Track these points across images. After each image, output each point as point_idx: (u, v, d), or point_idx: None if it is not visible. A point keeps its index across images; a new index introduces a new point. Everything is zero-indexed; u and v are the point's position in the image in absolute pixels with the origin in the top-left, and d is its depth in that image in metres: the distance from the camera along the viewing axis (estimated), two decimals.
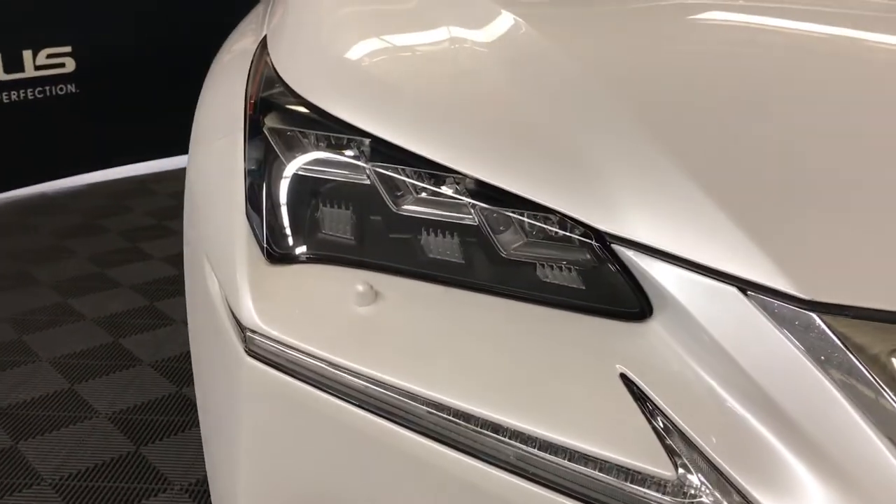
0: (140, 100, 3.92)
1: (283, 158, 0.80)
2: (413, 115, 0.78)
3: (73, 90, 3.78)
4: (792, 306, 0.58)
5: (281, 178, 0.79)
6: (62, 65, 3.73)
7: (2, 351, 2.38)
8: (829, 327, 0.57)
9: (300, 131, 0.81)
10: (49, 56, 3.69)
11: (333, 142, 0.79)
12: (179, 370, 2.27)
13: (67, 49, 3.73)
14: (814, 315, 0.57)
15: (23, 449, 1.93)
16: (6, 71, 3.55)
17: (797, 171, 0.66)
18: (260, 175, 0.80)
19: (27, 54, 3.61)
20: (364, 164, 0.76)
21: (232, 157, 0.84)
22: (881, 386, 0.55)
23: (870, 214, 0.62)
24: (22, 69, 3.60)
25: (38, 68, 3.65)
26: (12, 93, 3.59)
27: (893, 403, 0.55)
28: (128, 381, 2.23)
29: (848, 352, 0.56)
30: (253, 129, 0.83)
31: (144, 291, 2.78)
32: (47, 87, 3.71)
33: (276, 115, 0.83)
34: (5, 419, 2.04)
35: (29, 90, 3.65)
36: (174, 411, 2.08)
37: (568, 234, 0.68)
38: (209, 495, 0.94)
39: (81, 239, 3.28)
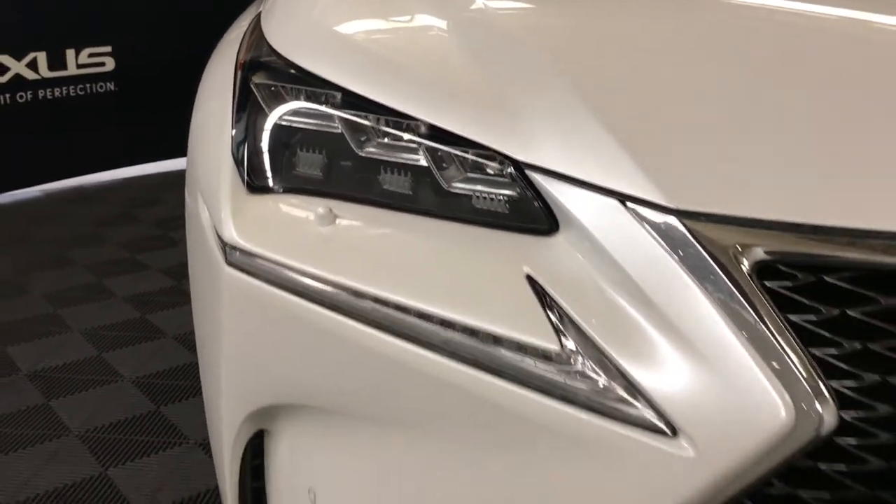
0: (176, 98, 4.10)
1: (265, 109, 0.94)
2: (375, 70, 0.91)
3: (113, 88, 3.99)
4: (660, 213, 0.70)
5: (263, 125, 0.93)
6: (102, 64, 3.95)
7: (38, 322, 2.56)
8: (689, 230, 0.69)
9: (281, 86, 0.95)
10: (90, 55, 3.90)
11: (309, 95, 0.93)
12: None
13: (108, 49, 3.94)
14: (676, 220, 0.69)
15: (53, 405, 2.09)
16: (50, 69, 3.77)
17: (678, 102, 0.78)
18: (245, 123, 0.94)
19: (70, 53, 3.82)
20: (334, 112, 0.90)
21: (223, 111, 0.98)
22: (725, 277, 0.67)
23: (731, 135, 0.74)
24: (65, 67, 3.82)
25: (79, 66, 3.87)
26: (56, 89, 3.81)
27: (734, 289, 0.67)
28: (152, 351, 2.39)
29: (701, 249, 0.68)
30: (241, 86, 0.98)
31: (172, 274, 2.95)
32: (88, 85, 3.93)
33: (261, 73, 0.97)
34: (39, 380, 2.21)
35: (71, 87, 3.87)
36: (193, 377, 2.23)
37: (493, 164, 0.81)
38: None
39: (116, 227, 3.47)
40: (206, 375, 1.02)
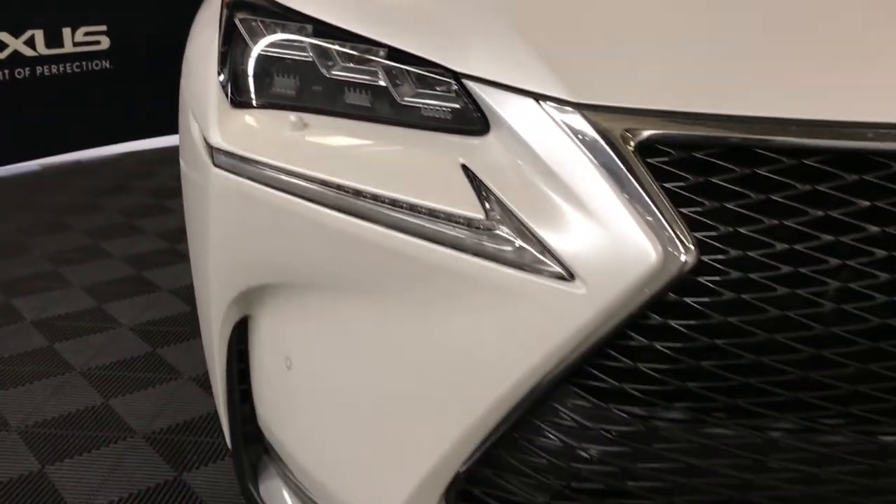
0: (169, 77, 4.25)
1: (246, 40, 1.09)
2: (340, 2, 1.07)
3: (108, 66, 4.14)
4: (565, 107, 0.86)
5: (244, 53, 1.09)
6: (98, 42, 4.09)
7: (40, 278, 2.71)
8: (587, 120, 0.85)
9: (260, 20, 1.11)
10: (86, 34, 4.04)
11: (284, 27, 1.09)
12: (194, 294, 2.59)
13: (103, 28, 4.09)
14: (578, 112, 0.85)
15: (57, 348, 2.25)
16: (48, 46, 3.92)
17: (583, 13, 0.93)
18: (229, 51, 1.10)
19: (66, 31, 3.97)
20: (306, 41, 1.06)
21: (211, 42, 1.14)
22: (615, 156, 0.83)
23: (622, 38, 0.90)
24: (62, 45, 3.97)
25: (76, 45, 4.01)
26: (52, 66, 3.95)
27: (621, 165, 0.83)
28: (149, 303, 2.55)
29: (597, 134, 0.84)
30: (227, 21, 1.13)
31: (167, 237, 3.10)
32: (84, 63, 4.07)
33: (243, 10, 1.13)
34: (43, 327, 2.37)
35: (67, 65, 4.01)
36: (186, 324, 2.39)
37: (437, 77, 0.96)
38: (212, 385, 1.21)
39: (112, 196, 3.62)
40: (197, 269, 1.19)
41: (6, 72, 3.79)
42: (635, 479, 0.88)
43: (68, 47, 3.99)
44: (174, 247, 3.00)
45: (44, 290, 2.63)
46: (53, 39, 3.92)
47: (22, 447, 1.81)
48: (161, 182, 3.78)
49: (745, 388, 0.83)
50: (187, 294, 2.56)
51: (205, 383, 2.05)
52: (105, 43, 4.11)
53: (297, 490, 1.17)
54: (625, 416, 0.86)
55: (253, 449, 1.22)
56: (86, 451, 1.80)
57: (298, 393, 1.06)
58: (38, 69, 3.90)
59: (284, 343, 1.06)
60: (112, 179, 3.88)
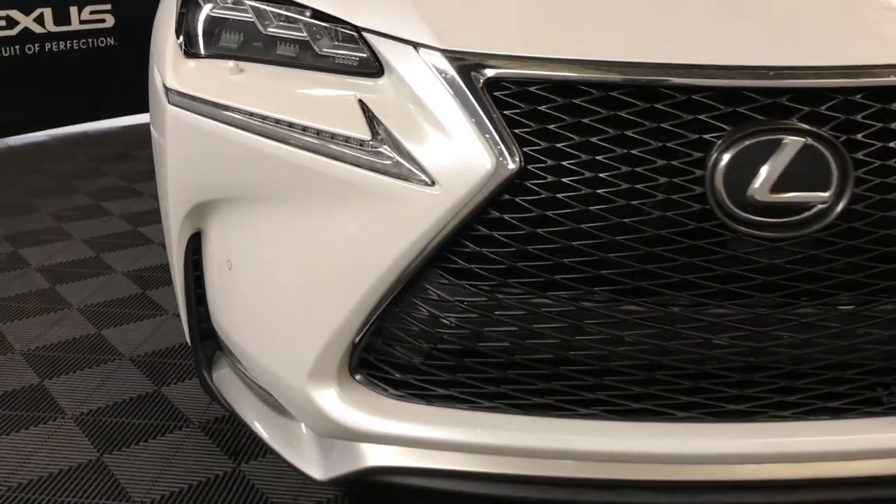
0: None
1: (200, 3, 1.35)
2: None
3: (112, 43, 4.40)
4: (435, 52, 1.11)
5: (198, 15, 1.34)
6: (103, 20, 4.35)
7: (44, 233, 2.99)
8: (449, 61, 1.09)
9: None
10: (92, 12, 4.31)
11: None
12: None
13: (108, 7, 4.35)
14: (443, 56, 1.10)
15: (58, 290, 2.53)
16: (56, 24, 4.18)
17: None
18: (186, 13, 1.35)
19: (73, 10, 4.23)
20: (247, 4, 1.31)
21: (172, 7, 1.40)
22: (468, 91, 1.08)
23: None
24: (69, 23, 4.23)
25: (82, 22, 4.28)
26: (60, 42, 4.22)
27: (471, 97, 1.08)
28: (142, 253, 2.82)
29: (456, 74, 1.09)
30: None
31: None
32: (90, 40, 4.34)
33: None
34: (46, 273, 2.64)
35: (74, 41, 4.28)
36: None
37: (346, 32, 1.21)
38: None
39: (114, 164, 3.89)
40: (160, 192, 1.45)
41: (17, 47, 4.06)
42: (483, 340, 1.13)
43: (75, 25, 4.25)
44: (137, 229, 3.24)
45: (48, 242, 2.91)
46: (61, 17, 4.19)
47: (24, 365, 2.08)
48: None
49: (562, 267, 1.08)
50: (147, 277, 2.79)
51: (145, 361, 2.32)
52: (110, 21, 4.37)
53: (241, 375, 1.43)
54: (474, 290, 1.11)
55: (208, 344, 1.48)
56: (79, 370, 2.07)
57: (236, 287, 1.32)
58: (47, 45, 4.17)
59: (226, 248, 1.32)
60: (115, 148, 4.15)
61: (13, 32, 4.02)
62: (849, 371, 1.14)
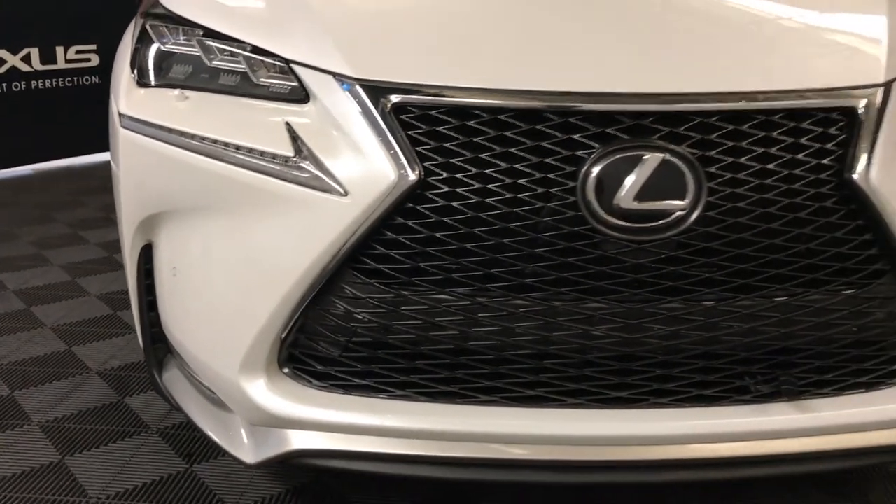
0: None
1: (153, 38, 1.51)
2: (219, 14, 1.48)
3: (97, 81, 4.58)
4: (351, 81, 1.27)
5: (150, 50, 1.51)
6: (88, 59, 4.54)
7: (24, 259, 3.13)
8: (363, 89, 1.25)
9: (164, 25, 1.53)
10: (78, 52, 4.50)
11: (179, 31, 1.50)
12: None
13: (93, 47, 4.54)
14: (358, 85, 1.26)
15: (33, 311, 2.66)
16: (42, 63, 4.37)
17: (369, 15, 1.35)
18: (139, 48, 1.52)
19: (60, 50, 4.42)
20: (194, 39, 1.47)
21: (128, 45, 1.56)
22: (378, 114, 1.24)
23: (393, 33, 1.31)
24: (55, 62, 4.42)
25: (68, 62, 4.47)
26: (46, 81, 4.40)
27: (380, 120, 1.23)
28: (115, 278, 2.95)
29: (367, 99, 1.25)
30: (141, 27, 1.55)
31: None
32: (75, 78, 4.52)
33: (152, 18, 1.55)
34: (23, 296, 2.78)
35: (60, 79, 4.46)
36: None
37: (279, 64, 1.37)
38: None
39: (95, 195, 4.04)
40: (117, 210, 1.60)
41: (4, 85, 4.23)
42: (392, 333, 1.28)
43: (61, 64, 4.44)
44: (112, 256, 3.38)
45: (27, 267, 3.05)
46: (48, 56, 4.38)
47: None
48: None
49: (459, 266, 1.24)
50: (118, 299, 2.85)
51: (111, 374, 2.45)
52: (95, 60, 4.56)
53: (187, 374, 1.57)
54: (384, 288, 1.26)
55: (159, 347, 1.62)
56: (48, 382, 2.20)
57: (180, 292, 1.46)
58: (34, 83, 4.35)
59: (172, 257, 1.47)
60: (97, 182, 4.30)
61: (0, 71, 4.20)
62: (716, 361, 1.28)
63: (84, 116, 4.52)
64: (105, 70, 4.53)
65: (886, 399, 1.35)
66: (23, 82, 4.30)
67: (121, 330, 2.53)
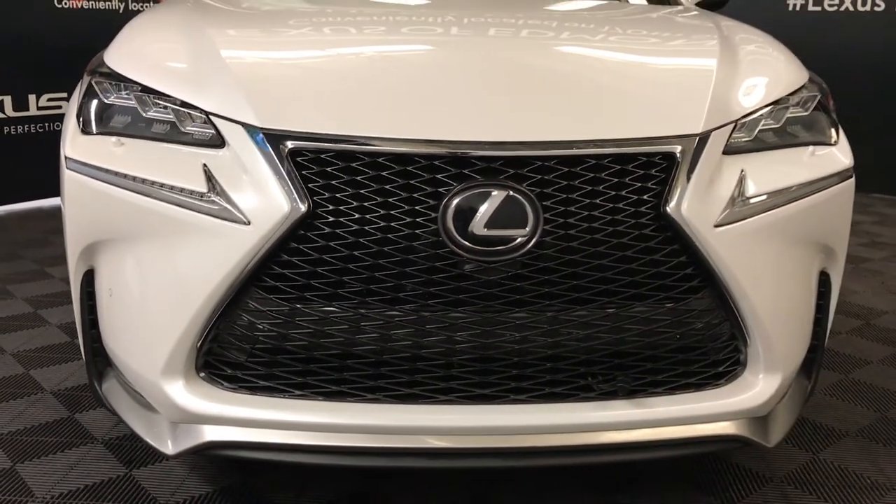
0: None
1: (96, 92, 1.77)
2: (152, 73, 1.74)
3: None
4: (256, 130, 1.52)
5: (92, 102, 1.76)
6: (59, 106, 4.80)
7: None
8: (265, 136, 1.51)
9: (106, 82, 1.78)
10: (49, 99, 4.76)
11: (118, 86, 1.76)
12: None
13: (64, 94, 4.80)
14: (262, 133, 1.52)
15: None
16: (15, 110, 4.62)
17: (281, 75, 1.61)
18: (84, 101, 1.77)
19: (32, 97, 4.68)
20: (132, 94, 1.73)
21: (76, 98, 1.82)
22: (276, 156, 1.49)
23: (295, 87, 1.58)
24: (27, 109, 4.67)
25: (39, 108, 4.72)
26: (19, 126, 4.65)
27: (278, 161, 1.49)
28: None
29: (268, 144, 1.50)
30: (87, 83, 1.81)
31: None
32: (46, 124, 4.77)
33: (96, 76, 1.81)
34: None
35: (31, 126, 4.71)
36: None
37: (201, 115, 1.63)
38: None
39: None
40: (65, 241, 1.83)
41: None
42: (287, 340, 1.52)
43: (33, 111, 4.69)
44: None
45: None
46: (20, 104, 4.63)
47: None
48: None
49: (343, 283, 1.48)
50: (75, 332, 3.14)
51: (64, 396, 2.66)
52: (65, 107, 4.80)
53: (122, 383, 1.79)
54: (280, 302, 1.51)
55: (99, 361, 1.84)
56: (4, 402, 2.41)
57: (115, 309, 1.69)
58: (7, 129, 4.59)
59: (109, 279, 1.71)
60: None
61: None
62: (562, 363, 1.53)
63: (53, 160, 4.73)
64: None
65: (713, 397, 1.60)
66: None
67: (77, 355, 2.74)
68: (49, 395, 2.45)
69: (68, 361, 2.70)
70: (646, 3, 2.79)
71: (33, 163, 4.69)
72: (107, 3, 4.97)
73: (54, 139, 4.86)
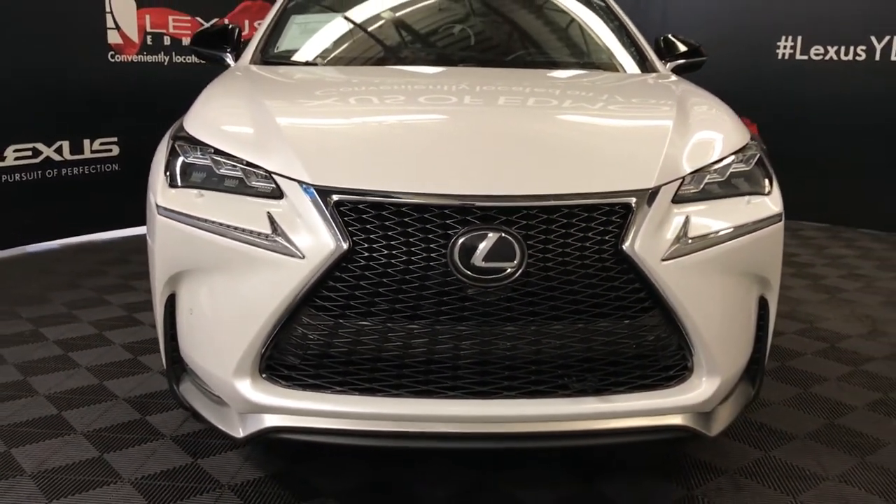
0: None
1: (179, 153, 2.24)
2: (224, 138, 2.22)
3: (117, 168, 5.35)
4: (309, 185, 1.99)
5: (177, 161, 2.24)
6: (110, 150, 5.32)
7: (57, 318, 3.81)
8: (317, 191, 1.97)
9: (187, 144, 2.26)
10: (101, 143, 5.28)
11: (197, 149, 2.24)
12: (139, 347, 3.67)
13: (115, 139, 5.32)
14: (314, 189, 1.98)
15: (30, 381, 3.33)
16: (71, 153, 5.14)
17: (330, 139, 2.08)
18: (169, 160, 2.25)
19: (86, 142, 5.20)
20: (208, 155, 2.20)
21: (162, 154, 2.30)
22: (325, 207, 1.95)
23: (342, 152, 2.05)
24: (82, 152, 5.19)
25: (93, 151, 5.24)
26: (74, 168, 5.17)
27: (326, 211, 1.95)
28: (136, 330, 3.63)
29: (319, 198, 1.96)
30: (171, 145, 2.29)
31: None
32: (99, 166, 5.29)
33: (179, 139, 2.28)
34: (22, 367, 3.45)
35: (85, 167, 5.23)
36: (129, 366, 3.46)
37: (263, 173, 2.09)
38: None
39: (115, 266, 4.75)
40: (150, 272, 2.30)
41: (39, 172, 4.99)
42: (331, 347, 1.97)
43: (87, 154, 5.21)
44: (132, 315, 4.03)
45: (62, 323, 3.73)
46: (76, 148, 5.15)
47: None
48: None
49: (375, 302, 1.94)
50: (138, 348, 3.51)
51: (135, 401, 3.12)
52: (115, 150, 5.33)
53: (197, 384, 2.25)
54: (326, 318, 1.96)
55: (177, 367, 2.30)
56: (85, 406, 2.86)
57: (195, 325, 2.15)
58: (64, 170, 5.11)
59: (189, 301, 2.17)
60: (115, 254, 5.02)
61: (37, 161, 4.96)
62: (544, 366, 1.97)
63: (105, 198, 5.25)
64: (124, 159, 5.31)
65: (665, 395, 2.04)
66: (55, 170, 5.05)
67: (140, 369, 3.21)
68: (122, 402, 2.91)
69: (135, 374, 3.16)
70: (626, 71, 3.26)
71: (86, 201, 5.19)
72: (154, 56, 5.50)
73: (105, 180, 5.44)
